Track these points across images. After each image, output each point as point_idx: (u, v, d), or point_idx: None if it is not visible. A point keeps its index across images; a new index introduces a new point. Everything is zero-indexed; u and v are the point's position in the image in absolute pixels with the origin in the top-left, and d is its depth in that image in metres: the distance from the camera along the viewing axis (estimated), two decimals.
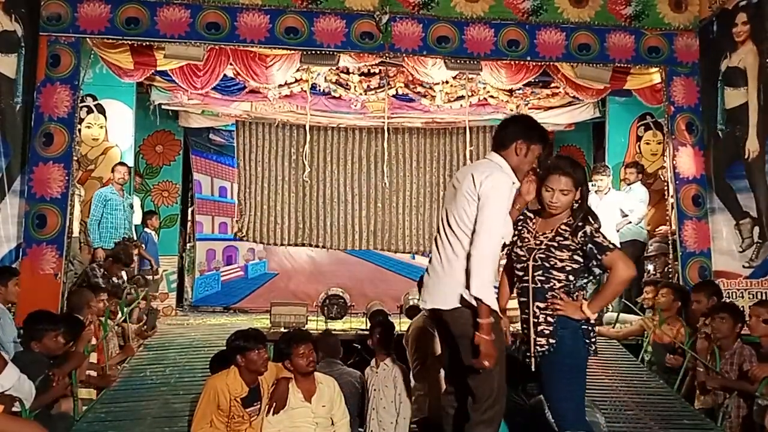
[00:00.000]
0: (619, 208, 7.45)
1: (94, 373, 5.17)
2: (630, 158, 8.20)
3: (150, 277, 8.06)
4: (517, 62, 6.83)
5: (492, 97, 8.35)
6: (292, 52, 6.71)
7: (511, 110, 8.56)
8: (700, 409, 4.87)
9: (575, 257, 3.33)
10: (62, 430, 4.25)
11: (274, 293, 9.34)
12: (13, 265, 5.80)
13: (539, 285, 3.35)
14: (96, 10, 6.28)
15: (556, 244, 3.35)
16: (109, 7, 6.28)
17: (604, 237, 3.36)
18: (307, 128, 8.51)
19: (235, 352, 4.20)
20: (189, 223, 10.00)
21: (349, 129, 9.25)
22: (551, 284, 3.33)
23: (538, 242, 3.39)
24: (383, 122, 8.55)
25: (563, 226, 3.37)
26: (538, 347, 3.32)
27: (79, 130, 6.66)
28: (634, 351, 6.25)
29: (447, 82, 7.87)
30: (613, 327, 6.84)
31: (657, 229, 7.55)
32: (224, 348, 4.49)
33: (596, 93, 7.43)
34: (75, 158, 6.33)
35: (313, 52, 6.58)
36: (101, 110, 7.87)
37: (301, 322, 7.00)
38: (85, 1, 6.27)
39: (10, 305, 5.11)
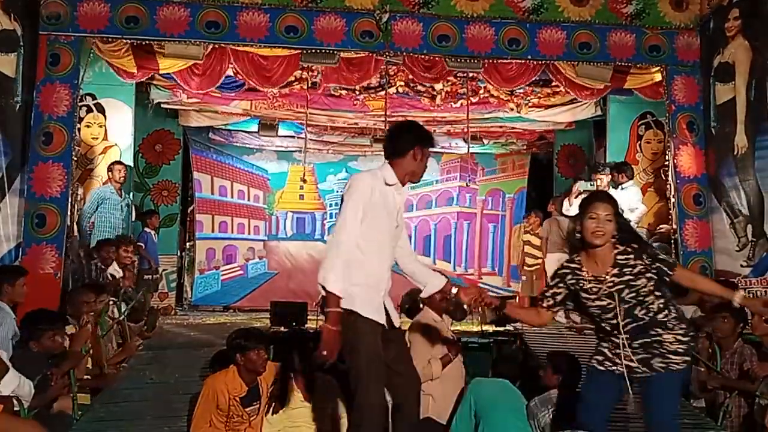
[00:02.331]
0: (620, 208, 7.42)
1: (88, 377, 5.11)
2: (630, 157, 8.17)
3: (149, 277, 8.05)
4: (517, 61, 6.83)
5: (492, 96, 8.33)
6: (292, 51, 6.71)
7: (511, 109, 8.56)
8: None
9: (649, 275, 3.23)
10: (61, 428, 4.24)
11: (274, 292, 9.33)
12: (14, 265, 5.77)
13: (645, 319, 3.22)
14: (95, 9, 6.28)
15: (632, 277, 3.23)
16: (109, 6, 6.29)
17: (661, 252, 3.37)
18: (306, 127, 8.49)
19: (235, 351, 4.19)
20: (189, 222, 9.99)
21: (350, 127, 9.24)
22: (653, 311, 3.22)
23: (609, 284, 3.25)
24: (383, 120, 8.52)
25: (620, 257, 3.27)
26: (674, 365, 3.18)
27: (79, 129, 6.66)
28: None
29: (448, 81, 7.86)
30: None
31: (657, 228, 7.53)
32: (224, 347, 4.48)
33: (596, 93, 7.41)
34: (74, 157, 6.32)
35: (313, 50, 6.57)
36: (101, 109, 7.85)
37: None
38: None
39: (13, 305, 5.06)
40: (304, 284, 9.67)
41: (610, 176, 7.55)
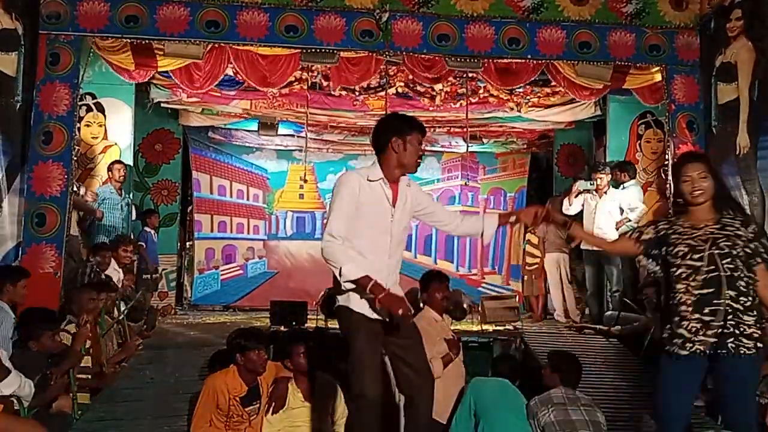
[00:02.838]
0: (619, 207, 7.43)
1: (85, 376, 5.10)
2: (630, 157, 8.16)
3: (149, 276, 8.05)
4: (517, 61, 6.82)
5: (492, 95, 8.33)
6: (292, 50, 6.70)
7: (511, 108, 8.56)
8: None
9: (748, 249, 3.17)
10: (61, 428, 4.24)
11: (274, 292, 9.33)
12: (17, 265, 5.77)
13: (729, 273, 3.13)
14: (95, 8, 6.27)
15: (731, 233, 3.17)
16: (109, 5, 6.28)
17: None
18: (306, 127, 8.49)
19: (235, 351, 4.19)
20: (188, 222, 9.98)
21: (350, 127, 9.23)
22: (738, 273, 3.13)
23: (708, 231, 3.19)
24: None
25: (725, 219, 3.22)
26: (746, 349, 3.09)
27: (79, 129, 6.66)
28: (635, 350, 6.24)
29: (447, 81, 7.85)
30: (614, 326, 6.86)
31: None
32: (224, 347, 4.48)
33: (595, 93, 7.40)
34: (74, 157, 6.32)
35: (313, 50, 6.57)
36: (100, 109, 7.85)
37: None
38: None
39: (12, 305, 5.06)
40: (304, 284, 9.66)
41: (610, 175, 7.54)
